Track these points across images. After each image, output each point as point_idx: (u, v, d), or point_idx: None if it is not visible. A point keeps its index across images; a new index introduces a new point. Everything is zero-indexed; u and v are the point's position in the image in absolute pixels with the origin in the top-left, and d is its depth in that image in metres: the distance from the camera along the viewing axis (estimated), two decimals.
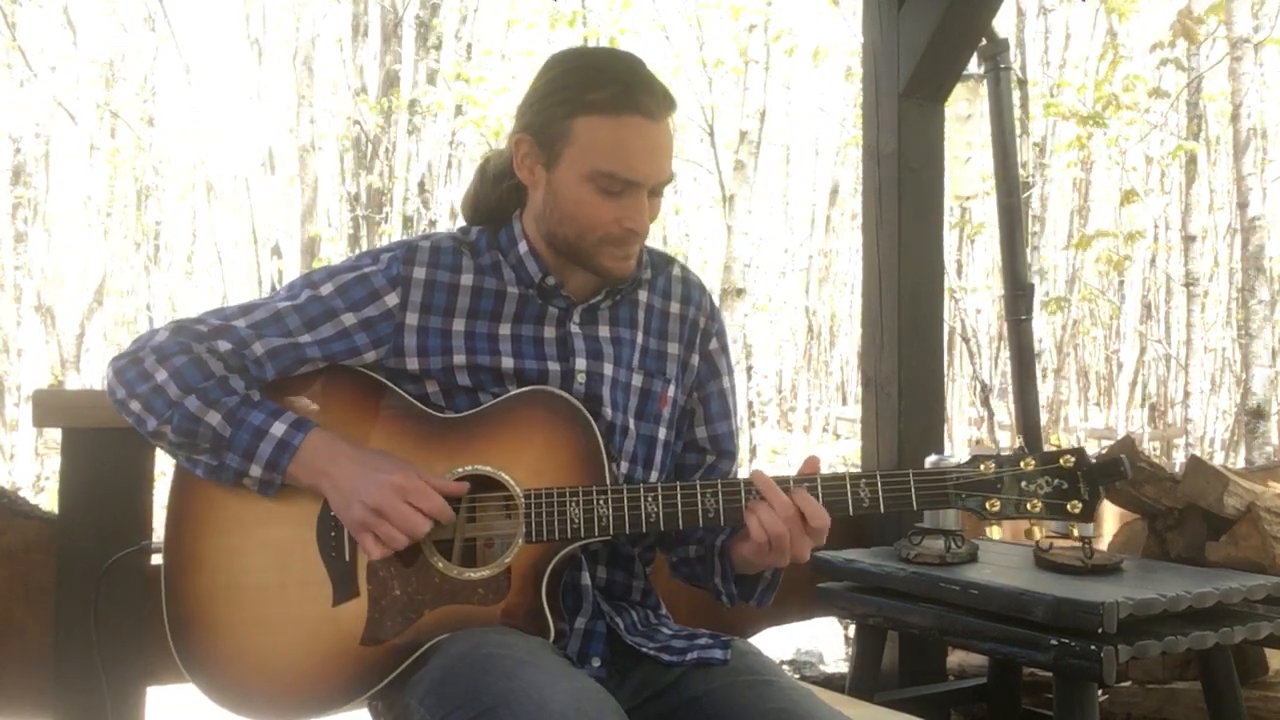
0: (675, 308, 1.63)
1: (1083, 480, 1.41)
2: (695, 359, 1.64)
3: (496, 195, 1.57)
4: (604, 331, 1.56)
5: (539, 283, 1.53)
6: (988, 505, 1.42)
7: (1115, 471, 1.41)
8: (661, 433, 1.59)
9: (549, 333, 1.54)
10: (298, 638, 1.42)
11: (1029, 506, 1.41)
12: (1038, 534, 1.46)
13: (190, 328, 1.48)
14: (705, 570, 1.59)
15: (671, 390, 1.60)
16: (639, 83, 1.44)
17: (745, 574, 1.54)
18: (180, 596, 1.46)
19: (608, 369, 1.54)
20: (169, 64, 13.50)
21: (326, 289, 1.49)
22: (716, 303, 1.72)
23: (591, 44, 9.58)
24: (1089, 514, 1.41)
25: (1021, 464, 1.42)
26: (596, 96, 1.42)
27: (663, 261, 1.66)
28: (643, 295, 1.61)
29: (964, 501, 1.42)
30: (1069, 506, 1.40)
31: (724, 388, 1.67)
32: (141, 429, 1.46)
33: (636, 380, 1.57)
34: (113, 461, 1.98)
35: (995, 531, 1.45)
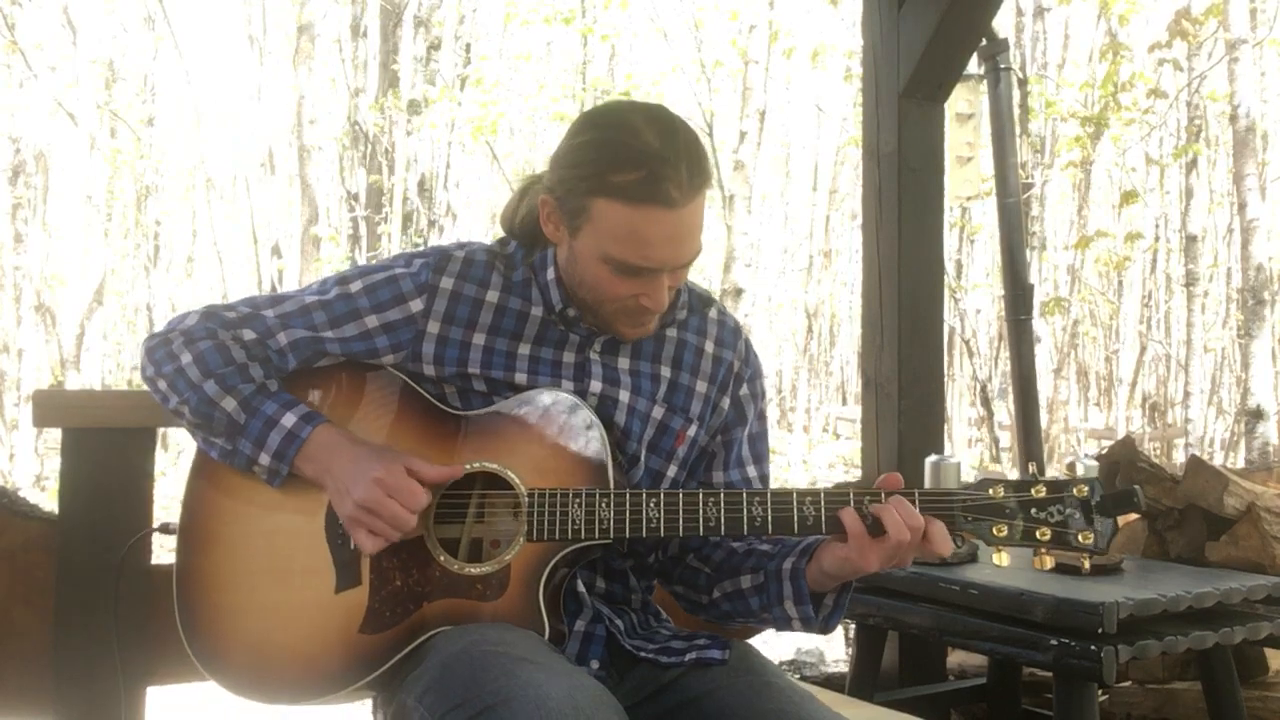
0: (710, 348, 1.61)
1: (1095, 511, 1.36)
2: (725, 402, 1.62)
3: (532, 222, 1.54)
4: (624, 363, 1.55)
5: (560, 311, 1.53)
6: (995, 530, 1.37)
7: (1128, 503, 1.36)
8: (671, 470, 1.56)
9: (568, 358, 1.53)
10: (299, 623, 1.44)
11: (1038, 534, 1.36)
12: (1048, 563, 1.41)
13: (220, 314, 1.52)
14: (766, 599, 1.51)
15: (692, 430, 1.58)
16: (665, 166, 1.35)
17: (816, 591, 1.48)
18: (189, 577, 1.49)
19: (624, 396, 1.53)
20: (169, 64, 13.50)
21: (355, 286, 1.51)
22: (753, 348, 1.67)
23: (590, 43, 9.58)
24: (1102, 545, 1.36)
25: (1032, 491, 1.38)
26: (619, 180, 1.36)
27: (700, 304, 1.63)
28: (671, 332, 1.59)
29: (971, 525, 1.38)
30: (1080, 537, 1.35)
31: (745, 436, 1.63)
32: (165, 406, 1.50)
33: (657, 413, 1.55)
34: (113, 461, 1.98)
35: (1003, 558, 1.42)
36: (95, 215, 12.56)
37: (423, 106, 11.48)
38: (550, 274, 1.53)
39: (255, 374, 1.48)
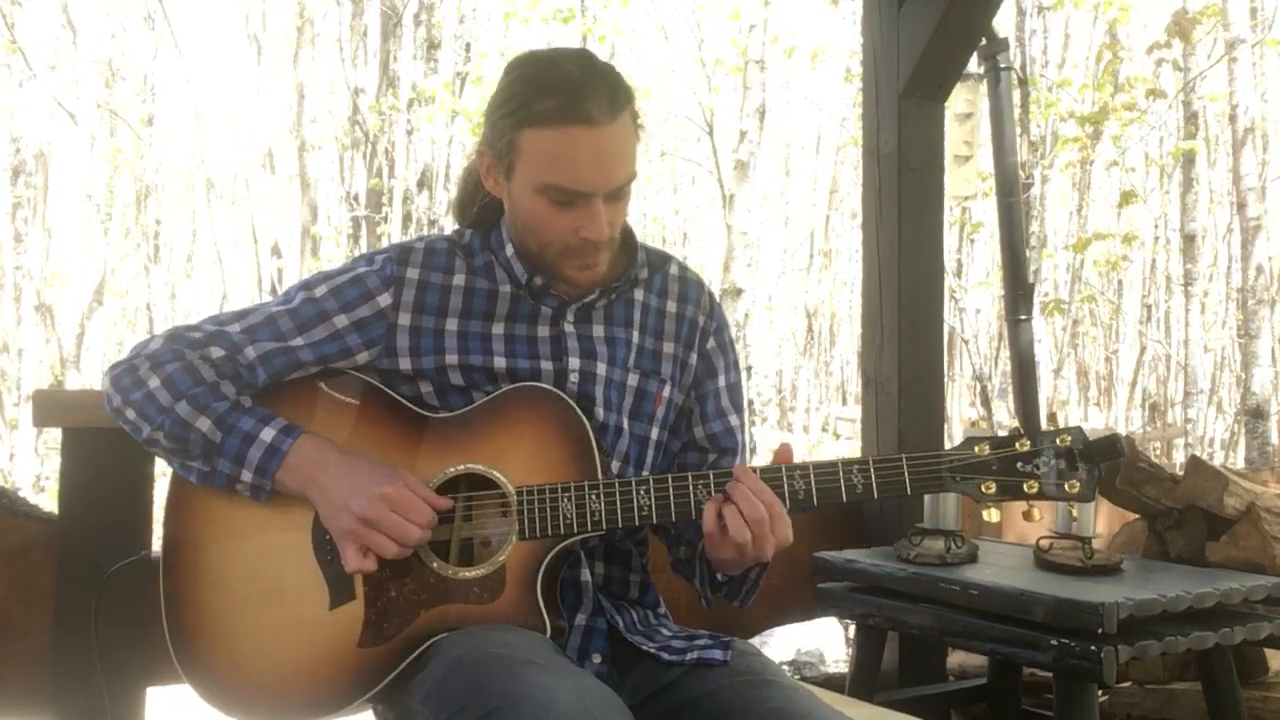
0: (672, 306, 1.63)
1: (1080, 459, 1.38)
2: (694, 358, 1.64)
3: (478, 200, 1.58)
4: (598, 331, 1.56)
5: (527, 283, 1.53)
6: (983, 488, 1.39)
7: (1112, 450, 1.38)
8: (654, 433, 1.59)
9: (542, 332, 1.54)
10: (295, 642, 1.42)
11: (1026, 488, 1.38)
12: (1036, 515, 1.43)
13: (184, 335, 1.49)
14: (691, 571, 1.60)
15: (667, 390, 1.60)
16: (584, 89, 1.39)
17: (729, 574, 1.51)
18: (178, 603, 1.47)
19: (601, 368, 1.54)
20: (169, 63, 13.49)
21: (320, 290, 1.51)
22: (715, 299, 1.71)
23: (590, 43, 9.59)
24: (1088, 494, 1.38)
25: (1017, 445, 1.39)
26: (540, 108, 1.39)
27: (659, 260, 1.65)
28: (638, 294, 1.61)
29: (959, 484, 1.40)
30: (1067, 486, 1.37)
31: (720, 386, 1.65)
32: (137, 436, 1.47)
33: (632, 380, 1.57)
34: (113, 462, 1.98)
35: (993, 514, 1.43)
36: (95, 215, 12.56)
37: (419, 105, 11.48)
38: (509, 250, 1.53)
39: (227, 391, 1.45)
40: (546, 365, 1.52)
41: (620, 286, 1.57)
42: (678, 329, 1.62)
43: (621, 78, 1.45)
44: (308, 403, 1.51)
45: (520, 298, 1.54)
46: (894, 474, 1.40)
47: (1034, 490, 1.38)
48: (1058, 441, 1.39)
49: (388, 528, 1.36)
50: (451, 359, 1.50)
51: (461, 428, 1.47)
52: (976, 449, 1.40)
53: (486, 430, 1.46)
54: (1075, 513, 1.44)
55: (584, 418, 1.45)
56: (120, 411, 1.47)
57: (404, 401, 1.50)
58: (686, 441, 1.65)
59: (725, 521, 1.36)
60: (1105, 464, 1.41)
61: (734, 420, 1.66)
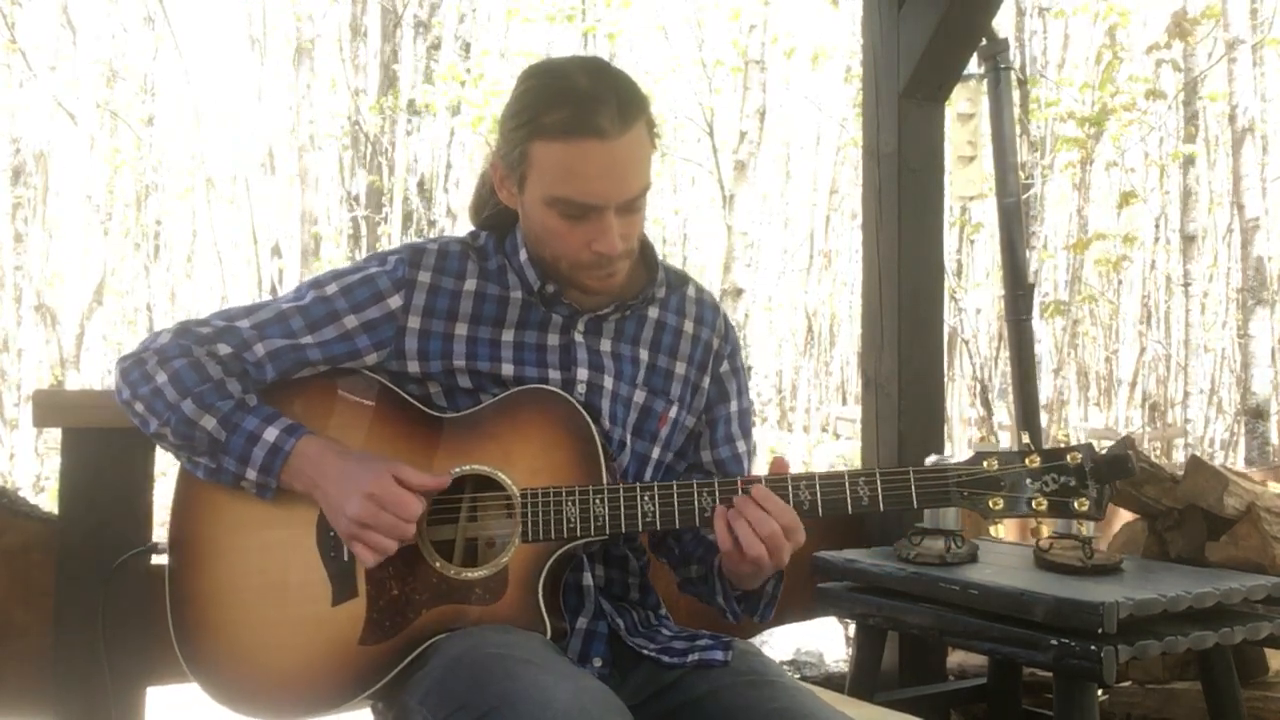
0: (689, 327, 1.62)
1: (1090, 477, 1.36)
2: (706, 381, 1.63)
3: (494, 205, 1.57)
4: (606, 345, 1.55)
5: (539, 290, 1.53)
6: (991, 503, 1.38)
7: (1122, 468, 1.36)
8: (656, 452, 1.58)
9: (552, 340, 1.53)
10: (298, 638, 1.43)
11: (1034, 505, 1.37)
12: (1045, 531, 1.43)
13: (194, 330, 1.49)
14: (709, 589, 1.59)
15: (674, 411, 1.59)
16: (594, 101, 1.37)
17: (747, 589, 1.51)
18: (183, 596, 1.47)
19: (608, 382, 1.54)
20: (169, 64, 13.49)
21: (331, 289, 1.50)
22: (730, 324, 1.70)
23: (590, 42, 9.59)
24: (1097, 512, 1.36)
25: (1026, 461, 1.38)
26: (549, 120, 1.37)
27: (678, 280, 1.64)
28: (653, 312, 1.60)
29: (966, 500, 1.38)
30: (1076, 504, 1.36)
31: (731, 412, 1.65)
32: (145, 430, 1.48)
33: (639, 397, 1.56)
34: (113, 462, 1.98)
35: (1000, 530, 1.42)
36: (95, 215, 12.55)
37: (421, 105, 11.48)
38: (523, 255, 1.53)
39: (233, 389, 1.46)
40: (554, 374, 1.51)
41: (635, 303, 1.56)
42: (691, 350, 1.62)
43: (635, 87, 1.43)
44: (316, 400, 1.51)
45: (531, 304, 1.53)
46: (900, 487, 1.39)
47: (1042, 508, 1.37)
48: (1067, 459, 1.37)
49: (382, 526, 1.36)
50: (459, 363, 1.50)
51: (468, 429, 1.47)
52: (985, 464, 1.39)
53: (493, 432, 1.46)
54: (1082, 529, 1.43)
55: (591, 421, 1.45)
56: (129, 404, 1.48)
57: (412, 401, 1.50)
58: (693, 464, 1.65)
59: (737, 536, 1.36)
60: (1116, 481, 1.38)
61: (742, 446, 1.66)
